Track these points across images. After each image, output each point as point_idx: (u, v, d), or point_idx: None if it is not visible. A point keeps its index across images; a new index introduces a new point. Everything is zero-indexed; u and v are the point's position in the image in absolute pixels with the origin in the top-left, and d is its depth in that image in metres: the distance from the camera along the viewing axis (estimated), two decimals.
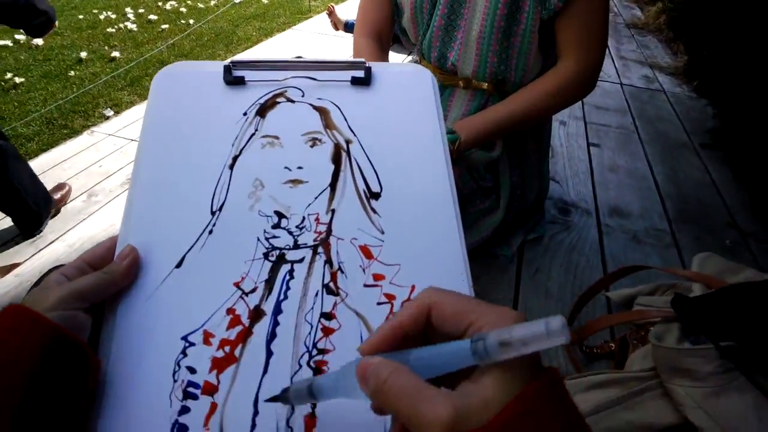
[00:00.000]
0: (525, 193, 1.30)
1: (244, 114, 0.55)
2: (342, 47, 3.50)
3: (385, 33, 1.22)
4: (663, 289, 1.13)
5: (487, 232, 1.22)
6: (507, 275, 1.28)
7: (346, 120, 0.56)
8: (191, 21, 4.43)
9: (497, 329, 0.26)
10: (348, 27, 3.09)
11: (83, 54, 3.56)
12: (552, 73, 1.07)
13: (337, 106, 0.57)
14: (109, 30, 4.09)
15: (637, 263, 1.20)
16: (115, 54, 3.59)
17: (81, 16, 4.43)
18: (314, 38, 3.84)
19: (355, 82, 0.58)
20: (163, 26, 4.29)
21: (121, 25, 4.22)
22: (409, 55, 2.64)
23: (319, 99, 0.57)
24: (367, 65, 0.58)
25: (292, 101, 0.57)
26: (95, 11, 4.56)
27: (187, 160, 0.51)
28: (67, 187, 1.84)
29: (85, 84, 3.10)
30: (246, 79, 0.57)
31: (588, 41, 1.03)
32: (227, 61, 0.57)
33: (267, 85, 0.57)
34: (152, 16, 4.52)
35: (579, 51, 1.03)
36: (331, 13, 3.20)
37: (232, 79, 0.56)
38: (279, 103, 0.56)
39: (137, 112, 2.49)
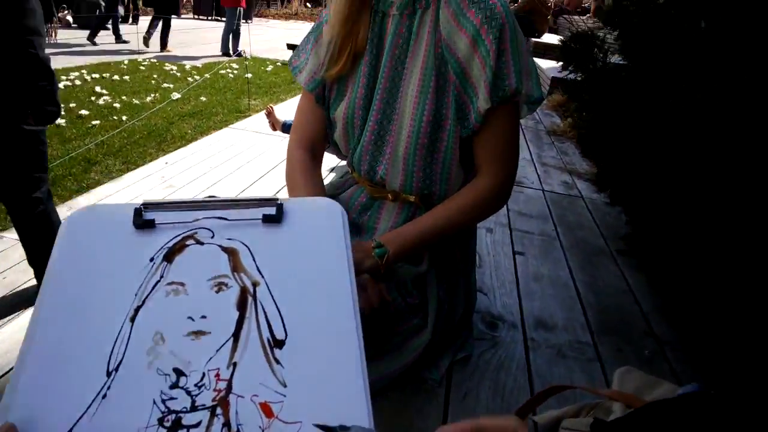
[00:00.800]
0: (453, 308, 1.30)
1: (151, 260, 0.54)
2: (278, 147, 3.57)
3: (319, 146, 1.26)
4: (587, 409, 1.12)
5: (414, 353, 1.19)
6: (435, 401, 1.25)
7: (254, 260, 0.55)
8: (124, 117, 4.41)
9: None
10: (285, 128, 3.16)
11: None
12: (471, 186, 1.13)
13: (246, 246, 0.56)
14: None
15: (563, 380, 1.21)
16: None
17: None
18: (250, 137, 3.90)
19: (267, 219, 0.58)
20: (94, 122, 4.24)
21: None
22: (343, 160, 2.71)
23: (229, 239, 0.57)
24: (279, 202, 0.59)
25: (201, 243, 0.56)
26: None
27: (87, 316, 0.49)
28: None
29: None
30: (156, 222, 0.56)
31: (502, 157, 1.10)
32: (138, 204, 0.57)
33: (177, 227, 0.57)
34: (83, 111, 4.47)
35: (494, 166, 1.10)
36: (270, 114, 3.27)
37: (142, 223, 0.55)
38: (187, 246, 0.56)
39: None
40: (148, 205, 0.56)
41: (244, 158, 3.43)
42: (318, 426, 0.43)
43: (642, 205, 2.26)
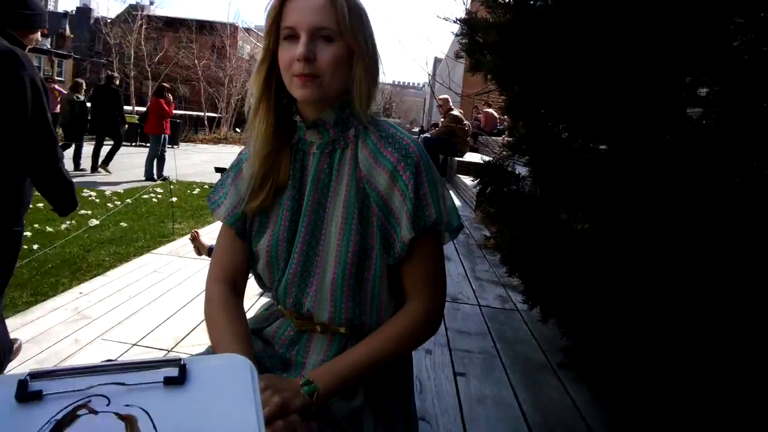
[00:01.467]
0: None
1: None
2: (203, 271, 3.42)
3: (240, 278, 1.21)
4: None
5: None
6: None
7: (155, 427, 0.49)
8: (35, 246, 4.14)
9: None
10: (211, 252, 3.05)
11: None
12: (402, 313, 1.10)
13: (146, 412, 0.50)
14: None
15: None
16: None
17: None
18: (174, 262, 3.74)
19: (168, 382, 0.53)
20: None
21: None
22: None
23: (127, 405, 0.51)
24: (182, 362, 0.54)
25: (95, 412, 0.50)
26: None
27: None
28: None
29: None
30: (44, 393, 0.50)
31: (430, 282, 1.10)
32: (24, 374, 0.51)
33: (67, 396, 0.51)
34: None
35: (424, 291, 1.10)
36: (195, 239, 3.17)
37: (26, 396, 0.49)
38: (79, 416, 0.49)
39: None
40: (35, 375, 0.51)
41: (167, 284, 3.25)
42: None
43: (574, 317, 2.27)
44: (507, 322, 2.82)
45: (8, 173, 1.70)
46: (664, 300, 1.63)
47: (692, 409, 1.54)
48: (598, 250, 1.91)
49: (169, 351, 2.36)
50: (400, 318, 1.09)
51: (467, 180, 6.89)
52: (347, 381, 1.03)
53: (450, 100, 9.61)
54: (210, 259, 3.34)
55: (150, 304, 2.92)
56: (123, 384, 0.52)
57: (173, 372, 0.53)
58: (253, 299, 2.82)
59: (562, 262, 2.13)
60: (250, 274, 1.25)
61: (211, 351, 1.16)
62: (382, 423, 1.16)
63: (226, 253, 1.20)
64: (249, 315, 1.19)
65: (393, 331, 1.07)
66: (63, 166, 1.88)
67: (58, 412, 0.49)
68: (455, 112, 9.24)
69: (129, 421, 0.49)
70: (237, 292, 1.19)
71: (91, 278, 3.38)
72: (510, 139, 2.70)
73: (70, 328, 2.53)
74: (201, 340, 2.49)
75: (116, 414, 0.50)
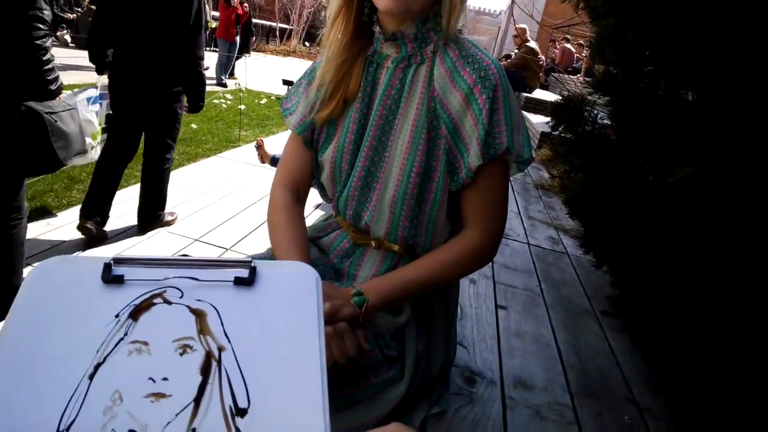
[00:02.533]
0: (431, 361, 1.25)
1: (116, 316, 0.52)
2: (266, 179, 3.53)
3: (303, 187, 1.23)
4: None
5: (389, 406, 1.13)
6: None
7: (222, 324, 0.53)
8: None
9: None
10: (274, 162, 3.13)
11: None
12: (458, 240, 1.10)
13: (215, 308, 0.54)
14: None
15: None
16: None
17: None
18: (238, 167, 3.87)
19: (238, 282, 0.56)
20: None
21: None
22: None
23: (198, 300, 0.54)
24: (252, 265, 0.57)
25: (169, 303, 0.54)
26: None
27: (42, 370, 0.46)
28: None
29: None
30: (125, 278, 0.54)
31: (490, 212, 1.09)
32: (108, 258, 0.55)
33: (145, 284, 0.55)
34: None
35: (482, 221, 1.09)
36: (260, 147, 3.25)
37: (110, 278, 0.54)
38: (155, 304, 0.53)
39: None
40: (118, 261, 0.55)
41: (230, 187, 3.39)
42: None
43: (628, 268, 2.24)
44: (555, 263, 2.81)
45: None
46: (729, 264, 1.57)
47: (731, 373, 1.53)
48: (669, 204, 1.85)
49: (228, 249, 2.50)
50: (454, 244, 1.10)
51: (533, 117, 6.64)
52: (396, 298, 1.06)
53: (527, 30, 9.09)
54: (272, 167, 3.44)
55: (213, 203, 3.06)
56: (196, 279, 0.56)
57: (244, 273, 0.56)
58: (309, 210, 2.91)
59: (627, 211, 2.07)
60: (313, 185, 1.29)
61: (270, 253, 1.22)
62: (423, 341, 1.22)
63: (294, 161, 1.22)
64: (307, 224, 1.24)
65: (445, 257, 1.09)
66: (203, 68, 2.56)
67: (137, 297, 0.53)
68: (531, 44, 8.75)
69: (200, 315, 0.53)
70: (299, 199, 1.22)
71: None
72: (588, 78, 2.56)
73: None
74: (259, 242, 2.61)
75: (188, 307, 0.54)
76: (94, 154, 2.54)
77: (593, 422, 1.47)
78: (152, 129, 2.56)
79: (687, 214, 1.75)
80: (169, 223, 2.73)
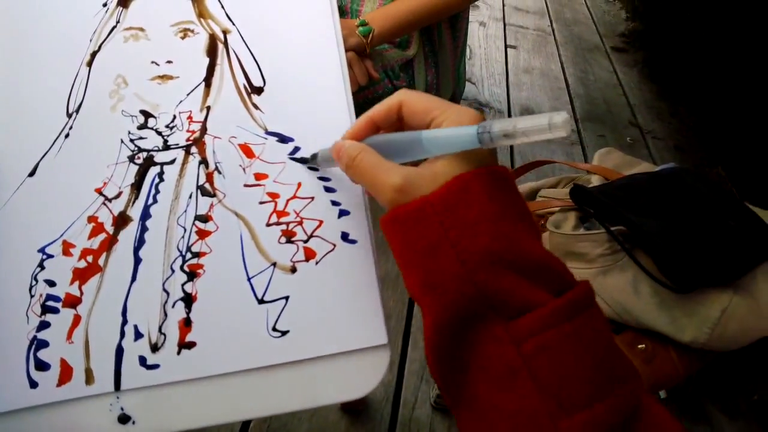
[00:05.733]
0: (440, 93, 1.29)
1: (104, 5, 0.48)
2: None
3: None
4: (565, 182, 1.17)
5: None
6: None
7: (223, 7, 0.50)
8: None
9: (501, 120, 0.27)
10: None
11: None
12: None
13: None
14: None
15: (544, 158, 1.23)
16: None
17: None
18: None
19: None
20: None
21: None
22: None
23: None
24: None
25: None
26: None
27: (38, 59, 0.45)
28: None
29: None
30: None
31: None
32: None
33: None
34: None
35: None
36: None
37: None
38: None
39: None
40: None
41: None
42: (293, 159, 0.43)
43: None
44: (568, 3, 2.66)
45: None
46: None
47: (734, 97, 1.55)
48: None
49: None
50: None
51: None
52: (402, 26, 1.04)
53: None
54: None
55: None
56: None
57: None
58: None
59: None
60: None
61: None
62: (433, 72, 1.23)
63: None
64: None
65: None
66: None
67: None
68: None
69: None
70: None
71: None
72: None
73: None
74: None
75: None
76: None
77: (596, 142, 1.55)
78: None
79: None
80: None
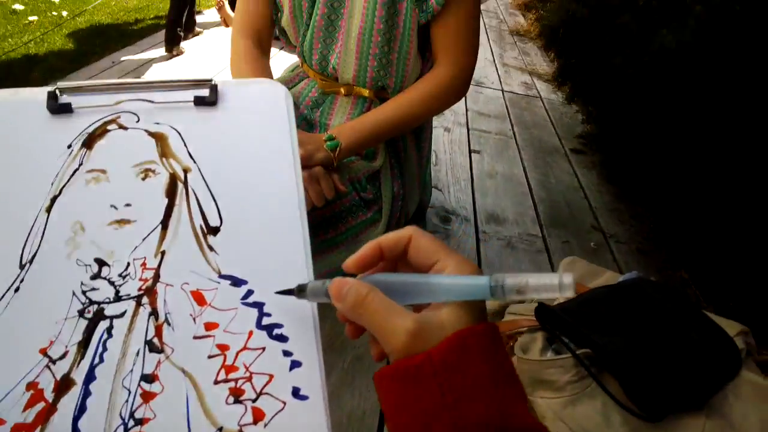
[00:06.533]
0: (406, 203, 1.31)
1: (69, 146, 0.49)
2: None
3: (265, 34, 1.17)
4: None
5: None
6: None
7: (186, 146, 0.51)
8: (64, 13, 4.04)
9: (513, 275, 0.29)
10: None
11: None
12: (428, 77, 1.09)
13: (176, 130, 0.51)
14: None
15: (511, 270, 1.25)
16: None
17: None
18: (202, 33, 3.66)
19: (199, 102, 0.52)
20: (31, 18, 3.87)
21: None
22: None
23: (157, 123, 0.51)
24: (213, 83, 0.53)
25: (125, 128, 0.51)
26: None
27: None
28: None
29: None
30: (73, 106, 0.50)
31: (462, 46, 1.07)
32: (52, 87, 0.50)
33: (97, 111, 0.51)
34: (17, 6, 4.07)
35: (453, 55, 1.07)
36: (221, 8, 3.06)
37: (57, 107, 0.49)
38: (109, 131, 0.50)
39: None
40: (63, 89, 0.50)
41: (193, 54, 3.23)
42: (279, 293, 0.43)
43: (602, 101, 2.26)
44: (528, 108, 2.82)
45: None
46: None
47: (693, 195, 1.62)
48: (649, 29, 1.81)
49: None
50: (425, 81, 1.09)
51: None
52: (369, 139, 1.07)
53: None
54: None
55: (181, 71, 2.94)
56: (152, 102, 0.51)
57: (204, 92, 0.52)
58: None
59: (602, 41, 2.04)
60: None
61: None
62: (399, 183, 1.26)
63: (250, 6, 1.14)
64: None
65: (416, 94, 1.07)
66: None
67: (89, 126, 0.50)
68: None
69: (160, 138, 0.50)
70: (263, 49, 1.17)
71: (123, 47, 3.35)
72: None
73: None
74: None
75: (146, 131, 0.50)
76: None
77: (561, 249, 1.58)
78: None
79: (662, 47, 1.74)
80: None
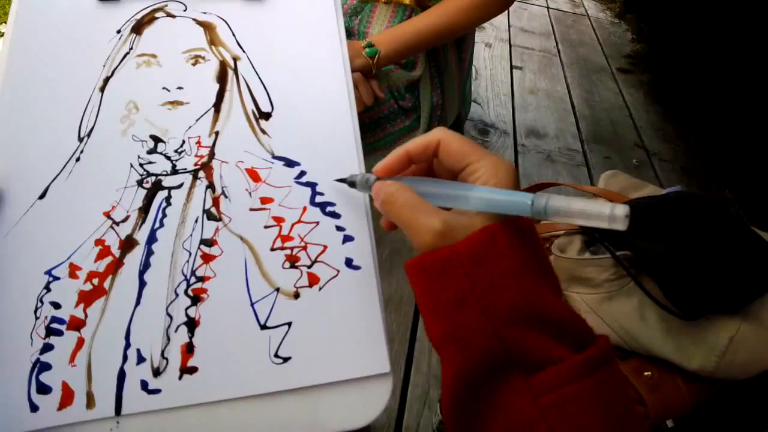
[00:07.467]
0: (445, 113, 1.29)
1: (118, 32, 0.50)
2: None
3: None
4: None
5: None
6: None
7: (234, 35, 0.51)
8: None
9: (558, 197, 0.28)
10: None
11: None
12: None
13: (224, 20, 0.52)
14: None
15: (549, 181, 1.23)
16: None
17: None
18: None
19: None
20: None
21: None
22: None
23: (204, 13, 0.52)
24: None
25: (173, 16, 0.52)
26: None
27: (52, 84, 0.47)
28: None
29: None
30: None
31: None
32: None
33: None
34: None
35: None
36: None
37: None
38: (157, 18, 0.51)
39: None
40: None
41: None
42: (338, 180, 0.45)
43: (656, 17, 2.14)
44: (574, 26, 2.69)
45: None
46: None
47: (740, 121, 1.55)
48: None
49: None
50: None
51: None
52: (408, 47, 1.04)
53: None
54: None
55: None
56: None
57: None
58: None
59: None
60: None
61: None
62: (438, 93, 1.24)
63: None
64: None
65: (460, 3, 1.05)
66: None
67: (137, 13, 0.51)
68: None
69: (208, 27, 0.51)
70: None
71: None
72: None
73: None
74: None
75: (194, 20, 0.51)
76: None
77: (602, 164, 1.55)
78: None
79: None
80: None
